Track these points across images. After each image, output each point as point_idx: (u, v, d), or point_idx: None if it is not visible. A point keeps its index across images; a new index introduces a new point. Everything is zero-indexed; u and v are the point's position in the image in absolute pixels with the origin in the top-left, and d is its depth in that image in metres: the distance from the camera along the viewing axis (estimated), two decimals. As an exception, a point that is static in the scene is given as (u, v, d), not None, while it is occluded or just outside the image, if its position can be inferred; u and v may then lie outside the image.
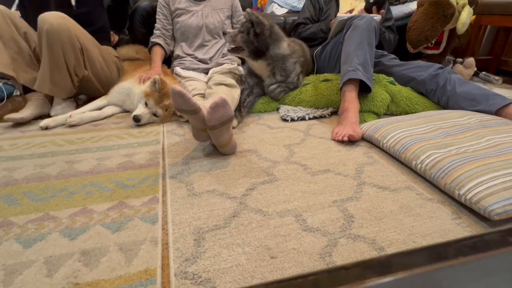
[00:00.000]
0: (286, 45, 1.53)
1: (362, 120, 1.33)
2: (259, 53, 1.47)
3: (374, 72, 1.46)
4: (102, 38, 1.66)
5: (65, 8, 1.52)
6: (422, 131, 1.06)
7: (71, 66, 1.42)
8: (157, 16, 1.77)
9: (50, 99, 1.57)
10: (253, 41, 1.44)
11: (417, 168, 0.94)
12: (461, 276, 0.26)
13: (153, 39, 1.75)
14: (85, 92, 1.69)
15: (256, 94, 1.60)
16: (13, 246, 0.69)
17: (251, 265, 0.64)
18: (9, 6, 1.97)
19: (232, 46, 1.49)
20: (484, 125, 1.06)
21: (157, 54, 1.71)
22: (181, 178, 0.96)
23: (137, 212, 0.81)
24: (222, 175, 0.97)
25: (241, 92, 1.52)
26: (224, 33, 1.49)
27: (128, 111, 1.57)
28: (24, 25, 1.49)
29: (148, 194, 0.88)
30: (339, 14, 1.66)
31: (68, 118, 1.40)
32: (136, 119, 1.38)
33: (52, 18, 1.33)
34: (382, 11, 1.71)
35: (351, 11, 1.68)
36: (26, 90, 1.59)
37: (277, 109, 1.56)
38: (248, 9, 1.45)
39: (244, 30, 1.44)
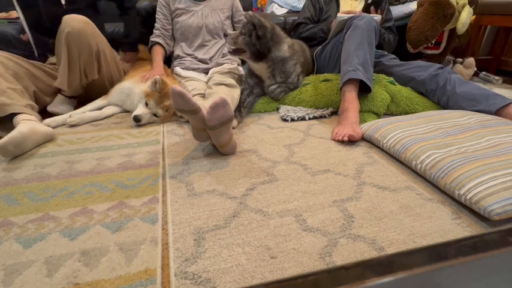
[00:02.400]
0: (286, 47, 1.53)
1: (362, 120, 1.33)
2: (260, 55, 1.47)
3: (374, 72, 1.46)
4: None
5: (54, 4, 1.53)
6: (422, 131, 1.06)
7: (83, 68, 1.47)
8: (157, 16, 1.77)
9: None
10: (255, 43, 1.43)
11: (417, 168, 0.94)
12: (461, 276, 0.26)
13: (153, 38, 1.75)
14: (94, 94, 1.65)
15: (256, 94, 1.60)
16: (13, 246, 0.69)
17: (251, 265, 0.64)
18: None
19: (234, 48, 1.49)
20: (484, 125, 1.06)
21: (159, 54, 1.71)
22: (181, 178, 0.96)
23: (137, 212, 0.81)
24: (222, 175, 0.97)
25: (241, 92, 1.52)
26: (225, 35, 1.48)
27: (128, 111, 1.57)
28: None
29: (148, 194, 0.88)
30: (339, 14, 1.66)
31: (68, 118, 1.40)
32: (137, 119, 1.38)
33: (74, 22, 1.37)
34: (379, 11, 1.71)
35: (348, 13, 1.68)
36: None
37: (277, 109, 1.56)
38: (250, 12, 1.45)
39: (246, 32, 1.43)
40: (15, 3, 1.47)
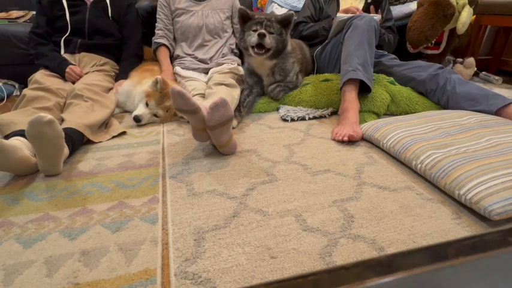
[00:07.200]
0: (289, 43, 1.55)
1: (362, 120, 1.33)
2: (282, 50, 1.51)
3: (374, 72, 1.46)
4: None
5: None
6: (422, 131, 1.06)
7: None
8: (157, 16, 1.76)
9: None
10: (285, 39, 1.48)
11: (417, 168, 0.94)
12: (461, 276, 0.26)
13: (157, 40, 1.74)
14: None
15: (256, 94, 1.60)
16: (13, 246, 0.69)
17: (251, 265, 0.64)
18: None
19: (267, 48, 1.46)
20: (484, 125, 1.06)
21: (166, 57, 1.72)
22: (181, 178, 0.96)
23: (137, 212, 0.81)
24: (222, 175, 0.97)
25: (241, 92, 1.52)
26: (263, 36, 1.40)
27: (128, 112, 1.57)
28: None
29: (148, 194, 0.88)
30: (338, 14, 1.66)
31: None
32: (137, 119, 1.38)
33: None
34: (379, 11, 1.71)
35: (346, 11, 1.68)
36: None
37: (277, 109, 1.56)
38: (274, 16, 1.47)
39: (276, 31, 1.46)
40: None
